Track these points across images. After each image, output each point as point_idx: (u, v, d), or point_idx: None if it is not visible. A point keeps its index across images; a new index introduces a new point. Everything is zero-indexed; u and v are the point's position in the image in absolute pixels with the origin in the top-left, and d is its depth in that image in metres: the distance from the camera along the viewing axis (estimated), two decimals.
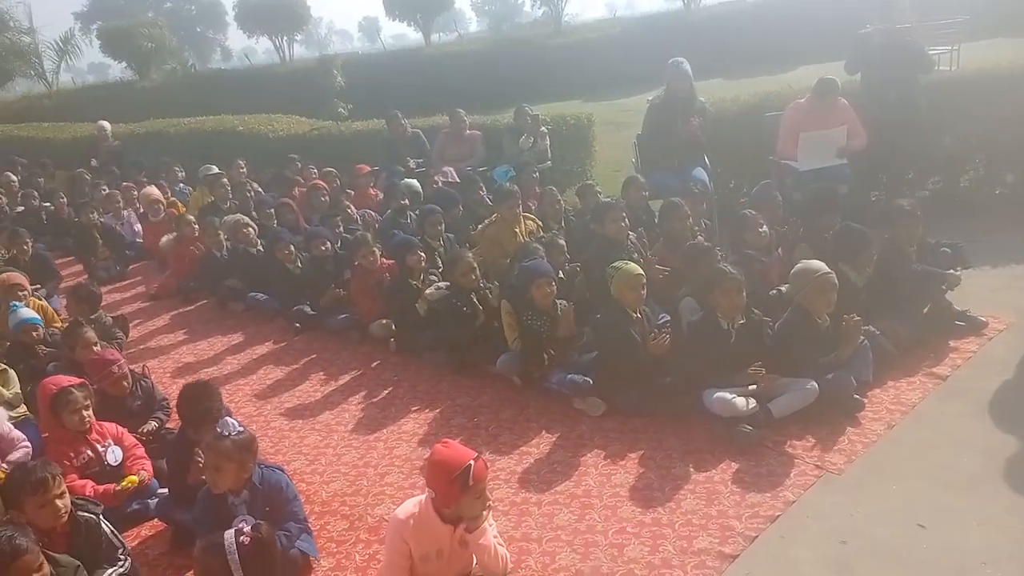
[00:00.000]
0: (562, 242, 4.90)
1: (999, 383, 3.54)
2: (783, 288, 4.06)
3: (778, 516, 2.85)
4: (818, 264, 3.71)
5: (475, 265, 4.45)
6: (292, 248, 5.66)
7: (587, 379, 3.76)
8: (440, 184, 6.64)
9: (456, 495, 2.44)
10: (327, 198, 6.86)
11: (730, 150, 6.24)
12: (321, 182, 7.21)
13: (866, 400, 3.48)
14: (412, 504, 2.57)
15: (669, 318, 4.22)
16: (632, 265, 3.83)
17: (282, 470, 2.94)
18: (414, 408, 4.04)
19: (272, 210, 6.67)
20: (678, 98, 5.86)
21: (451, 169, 7.02)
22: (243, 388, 4.58)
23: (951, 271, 4.17)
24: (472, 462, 2.44)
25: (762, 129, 5.94)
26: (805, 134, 5.38)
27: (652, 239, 4.96)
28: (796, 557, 2.65)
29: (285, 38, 21.09)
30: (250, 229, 6.17)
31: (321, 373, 4.64)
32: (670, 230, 4.74)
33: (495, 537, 2.62)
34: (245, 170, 8.03)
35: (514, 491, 3.21)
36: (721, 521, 2.85)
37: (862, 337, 3.61)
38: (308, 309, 5.34)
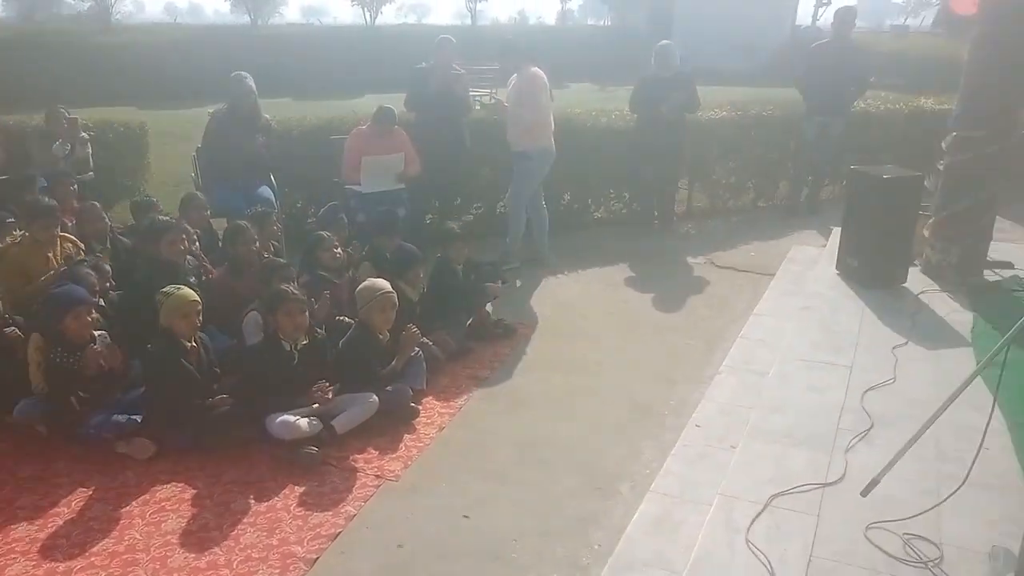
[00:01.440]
0: (107, 266, 4.33)
1: (526, 380, 4.13)
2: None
3: (339, 533, 2.87)
4: (381, 283, 3.88)
5: None
6: None
7: (133, 418, 3.36)
8: None
9: None
10: None
11: (297, 170, 6.24)
12: None
13: (420, 407, 3.74)
14: None
15: (235, 341, 4.01)
16: (186, 291, 3.54)
17: None
18: None
19: None
20: (242, 113, 5.67)
21: None
22: None
23: (492, 284, 4.77)
24: None
25: (329, 151, 6.06)
26: (367, 158, 5.63)
27: (215, 262, 4.68)
28: (356, 570, 2.70)
29: None
30: None
31: None
32: (235, 255, 4.52)
33: None
34: None
35: (35, 563, 2.69)
36: (283, 549, 2.77)
37: (416, 348, 3.89)
38: None
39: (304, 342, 3.60)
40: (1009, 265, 5.04)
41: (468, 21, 33.16)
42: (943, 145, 4.91)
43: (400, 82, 6.64)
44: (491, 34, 20.23)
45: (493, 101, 7.51)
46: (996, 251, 5.07)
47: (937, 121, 6.91)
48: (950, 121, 4.93)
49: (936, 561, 2.38)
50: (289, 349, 3.54)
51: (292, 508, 3.00)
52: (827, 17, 26.08)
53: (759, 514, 2.65)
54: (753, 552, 2.47)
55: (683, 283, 5.69)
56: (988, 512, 2.62)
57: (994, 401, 2.46)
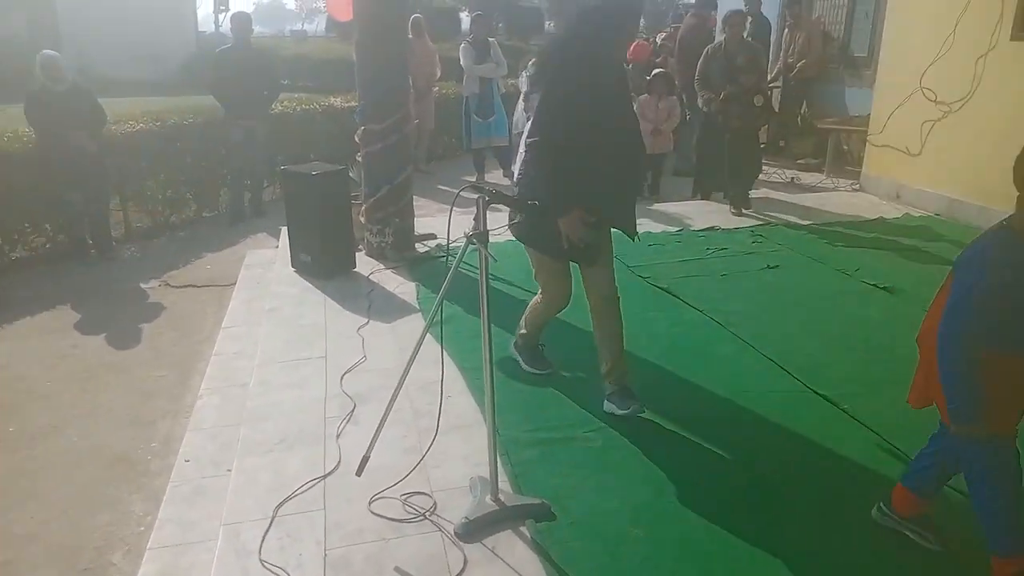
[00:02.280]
0: None
1: None
2: None
3: None
4: None
5: None
6: None
7: None
8: None
9: None
10: None
11: None
12: None
13: None
14: None
15: None
16: None
17: None
18: None
19: None
20: None
21: None
22: None
23: None
24: None
25: None
26: None
27: None
28: None
29: None
30: None
31: None
32: None
33: None
34: None
35: None
36: None
37: None
38: None
39: None
40: (432, 236, 5.85)
41: None
42: (356, 138, 5.41)
43: None
44: None
45: None
46: (420, 226, 5.83)
47: (348, 117, 7.60)
48: (357, 116, 5.45)
49: (431, 510, 2.65)
50: None
51: None
52: (228, 23, 26.41)
53: (268, 529, 2.58)
54: (269, 569, 2.39)
55: (139, 312, 5.18)
56: (462, 450, 3.02)
57: (442, 353, 2.81)
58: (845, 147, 8.74)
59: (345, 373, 3.72)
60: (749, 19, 7.97)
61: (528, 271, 3.56)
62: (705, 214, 6.73)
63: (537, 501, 2.63)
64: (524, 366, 3.71)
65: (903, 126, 6.93)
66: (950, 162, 6.47)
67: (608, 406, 3.26)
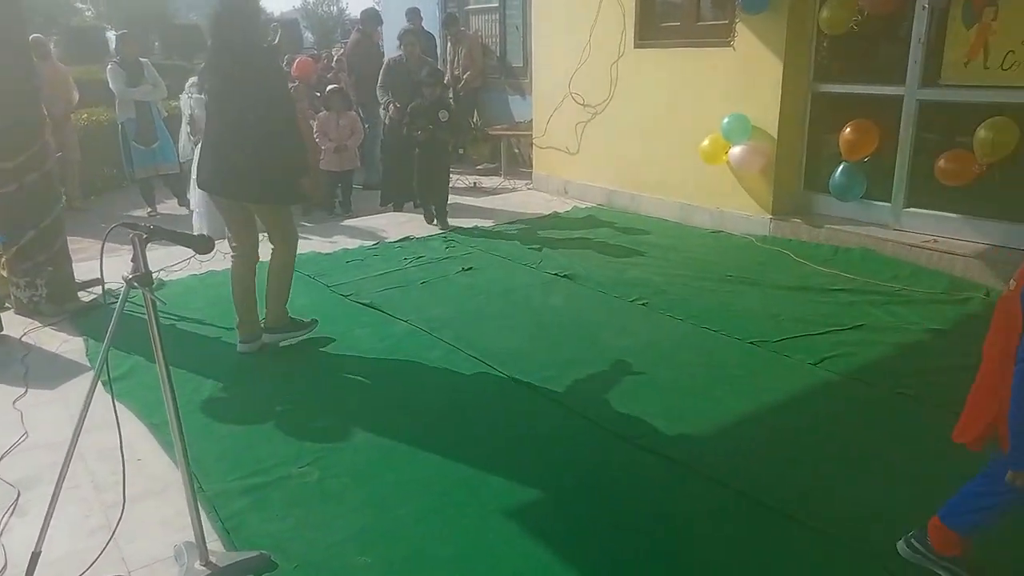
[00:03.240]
0: None
1: None
2: None
3: None
4: None
5: None
6: None
7: None
8: None
9: None
10: None
11: None
12: None
13: None
14: None
15: None
16: None
17: None
18: None
19: None
20: None
21: None
22: None
23: None
24: None
25: None
26: None
27: None
28: None
29: None
30: None
31: None
32: None
33: None
34: None
35: None
36: None
37: None
38: None
39: None
40: (98, 282, 5.16)
41: None
42: None
43: None
44: None
45: None
46: (84, 271, 5.12)
47: None
48: None
49: None
50: None
51: None
52: None
53: None
54: None
55: None
56: (161, 517, 2.69)
57: (115, 409, 2.42)
58: (516, 150, 9.46)
59: (1, 457, 3.12)
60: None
61: (216, 305, 3.30)
62: (398, 225, 6.83)
63: (254, 554, 2.43)
64: (295, 339, 4.19)
65: (561, 128, 7.67)
66: (603, 158, 7.31)
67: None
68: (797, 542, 2.47)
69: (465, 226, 6.63)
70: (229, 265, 4.18)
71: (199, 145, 5.27)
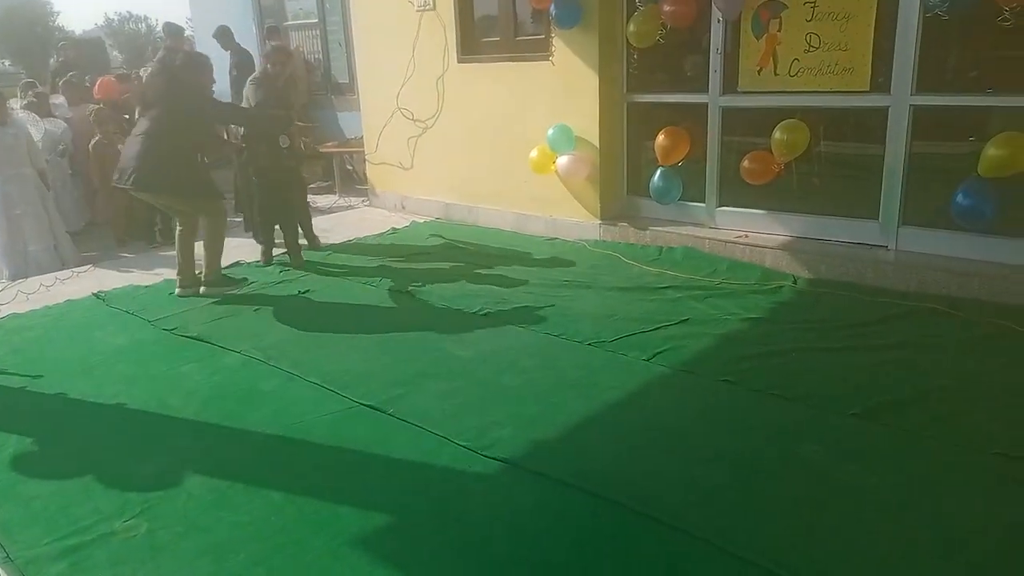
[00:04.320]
0: None
1: None
2: None
3: None
4: None
5: None
6: None
7: None
8: None
9: None
10: None
11: None
12: None
13: None
14: None
15: None
16: None
17: None
18: None
19: None
20: None
21: None
22: None
23: None
24: None
25: None
26: None
27: None
28: None
29: None
30: None
31: None
32: None
33: None
34: None
35: None
36: None
37: None
38: None
39: None
40: None
41: None
42: None
43: None
44: None
45: None
46: None
47: None
48: None
49: None
50: None
51: None
52: None
53: None
54: None
55: None
56: None
57: None
58: (350, 167, 9.27)
59: None
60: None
61: (20, 352, 2.96)
62: (227, 251, 6.47)
63: None
64: (226, 292, 5.25)
65: (393, 144, 7.61)
66: (437, 172, 7.32)
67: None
68: (643, 535, 2.56)
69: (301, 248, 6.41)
70: (31, 307, 4.83)
71: None
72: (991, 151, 4.34)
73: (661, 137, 5.67)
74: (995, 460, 2.86)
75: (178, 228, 5.28)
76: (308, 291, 5.31)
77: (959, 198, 4.50)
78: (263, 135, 5.77)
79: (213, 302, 5.12)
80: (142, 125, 5.02)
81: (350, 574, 2.43)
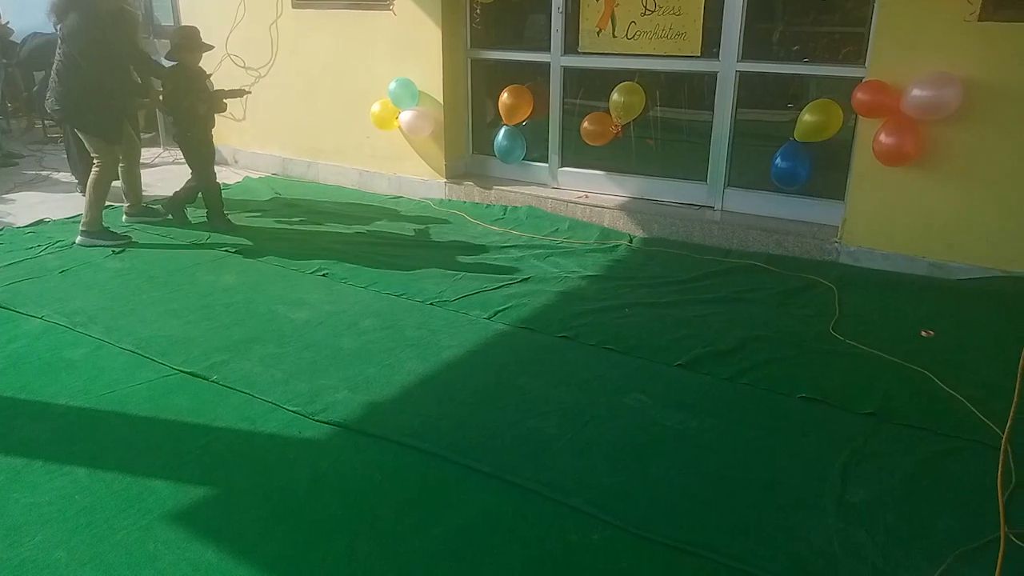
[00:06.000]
0: None
1: None
2: None
3: None
4: None
5: None
6: None
7: None
8: None
9: None
10: None
11: None
12: None
13: None
14: None
15: None
16: None
17: None
18: None
19: None
20: None
21: None
22: None
23: None
24: None
25: None
26: None
27: None
28: None
29: None
30: None
31: None
32: None
33: None
34: None
35: None
36: None
37: None
38: None
39: None
40: None
41: None
42: None
43: None
44: None
45: None
46: None
47: None
48: None
49: None
50: None
51: None
52: None
53: None
54: None
55: None
56: None
57: None
58: None
59: None
60: None
61: None
62: (29, 208, 5.82)
63: None
64: (101, 245, 4.90)
65: None
66: (273, 124, 6.91)
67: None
68: (475, 489, 2.55)
69: (118, 204, 5.85)
70: None
71: None
72: (806, 116, 4.64)
73: (505, 95, 5.64)
74: (800, 403, 3.10)
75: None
76: (123, 251, 4.87)
77: (777, 161, 4.80)
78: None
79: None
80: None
81: (163, 550, 2.26)
